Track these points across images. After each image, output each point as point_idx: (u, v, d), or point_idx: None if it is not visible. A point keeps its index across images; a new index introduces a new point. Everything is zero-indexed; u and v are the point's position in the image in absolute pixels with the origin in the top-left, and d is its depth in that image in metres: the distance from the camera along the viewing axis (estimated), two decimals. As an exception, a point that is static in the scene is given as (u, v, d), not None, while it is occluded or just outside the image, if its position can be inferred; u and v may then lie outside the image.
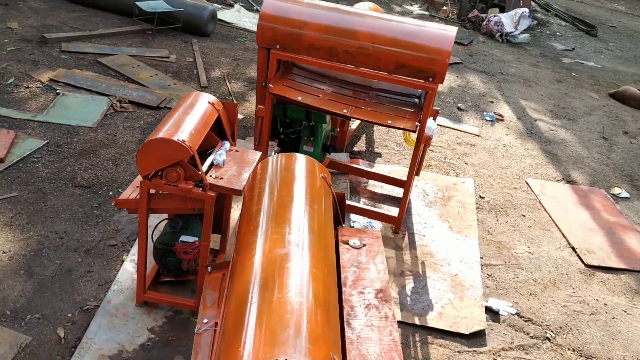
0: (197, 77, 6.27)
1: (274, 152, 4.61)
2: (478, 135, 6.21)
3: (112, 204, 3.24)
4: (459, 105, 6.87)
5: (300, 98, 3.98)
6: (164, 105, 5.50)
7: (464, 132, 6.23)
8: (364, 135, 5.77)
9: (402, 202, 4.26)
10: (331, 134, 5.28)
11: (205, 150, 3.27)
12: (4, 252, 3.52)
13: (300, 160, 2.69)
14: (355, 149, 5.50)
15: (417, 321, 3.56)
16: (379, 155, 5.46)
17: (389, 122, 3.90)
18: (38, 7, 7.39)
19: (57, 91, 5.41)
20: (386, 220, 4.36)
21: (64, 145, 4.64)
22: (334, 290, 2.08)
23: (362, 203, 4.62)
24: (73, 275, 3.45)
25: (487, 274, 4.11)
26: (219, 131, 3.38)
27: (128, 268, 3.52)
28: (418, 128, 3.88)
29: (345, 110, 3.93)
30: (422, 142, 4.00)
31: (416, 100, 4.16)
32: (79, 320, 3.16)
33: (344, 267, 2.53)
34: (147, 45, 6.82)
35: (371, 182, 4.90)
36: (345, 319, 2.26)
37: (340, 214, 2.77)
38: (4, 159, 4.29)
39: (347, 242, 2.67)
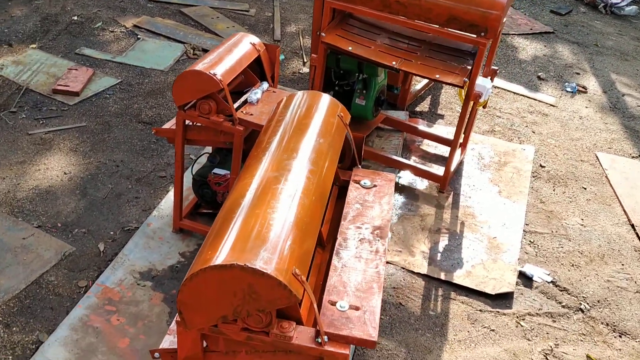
0: (272, 31, 6.41)
1: (328, 104, 4.66)
2: (553, 106, 5.93)
3: (153, 132, 3.46)
4: (540, 74, 6.56)
5: (350, 48, 4.00)
6: (234, 55, 5.68)
7: (539, 101, 5.96)
8: (430, 96, 5.69)
9: (447, 161, 4.20)
10: (394, 92, 5.27)
11: (243, 88, 3.40)
12: (65, 174, 3.86)
13: (323, 99, 2.75)
14: (417, 109, 5.44)
15: (442, 276, 3.55)
16: (442, 117, 5.37)
17: (437, 76, 3.85)
18: (136, -41, 7.79)
19: (138, 36, 5.74)
20: (431, 178, 4.32)
21: (135, 85, 4.96)
22: (317, 215, 2.13)
23: (412, 161, 4.60)
24: (121, 199, 3.73)
25: (530, 241, 3.99)
26: (260, 72, 3.49)
27: (172, 197, 3.75)
28: (466, 84, 3.79)
29: (394, 62, 3.91)
30: (471, 99, 3.90)
31: (470, 58, 4.05)
32: (119, 239, 3.44)
33: (348, 203, 2.58)
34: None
35: (426, 141, 4.85)
36: (335, 249, 2.33)
37: (357, 155, 2.81)
38: (79, 93, 4.66)
39: (358, 182, 2.71)
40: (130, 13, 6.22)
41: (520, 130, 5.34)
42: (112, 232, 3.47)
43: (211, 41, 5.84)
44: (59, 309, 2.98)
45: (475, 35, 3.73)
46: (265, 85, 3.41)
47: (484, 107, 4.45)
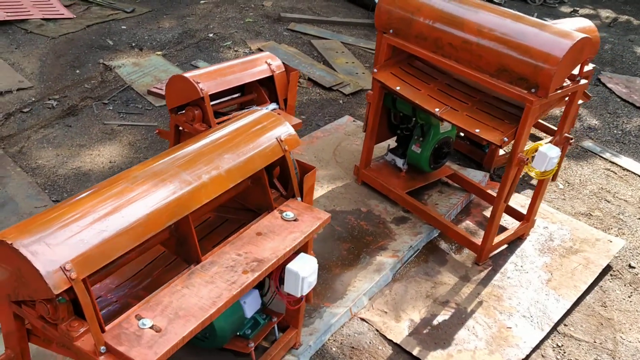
0: (391, 72, 6.26)
1: (388, 146, 4.41)
2: (695, 202, 4.87)
3: (156, 132, 3.58)
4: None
5: (398, 88, 3.75)
6: (336, 88, 5.68)
7: (676, 194, 4.94)
8: (533, 164, 5.04)
9: (486, 230, 3.67)
10: (484, 151, 4.81)
11: (253, 105, 3.37)
12: (110, 162, 4.17)
13: (270, 120, 2.59)
14: (509, 174, 4.85)
15: (415, 351, 3.08)
16: (532, 187, 4.72)
17: (477, 130, 3.41)
18: (301, -7, 8.24)
19: (255, 58, 6.03)
20: (469, 246, 3.81)
21: (224, 99, 5.20)
22: (155, 225, 1.98)
23: (463, 224, 4.11)
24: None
25: (557, 344, 3.29)
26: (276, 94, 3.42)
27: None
28: (505, 144, 3.31)
29: (437, 109, 3.57)
30: (514, 164, 3.38)
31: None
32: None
33: (249, 228, 2.40)
34: (369, 38, 7.06)
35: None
36: (190, 269, 2.16)
37: (296, 186, 2.60)
38: (169, 97, 5.02)
39: (282, 212, 2.50)
40: (262, 38, 6.58)
41: (627, 221, 4.47)
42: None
43: (320, 72, 5.90)
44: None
45: (526, 91, 3.24)
46: (272, 106, 3.34)
47: (553, 179, 3.84)
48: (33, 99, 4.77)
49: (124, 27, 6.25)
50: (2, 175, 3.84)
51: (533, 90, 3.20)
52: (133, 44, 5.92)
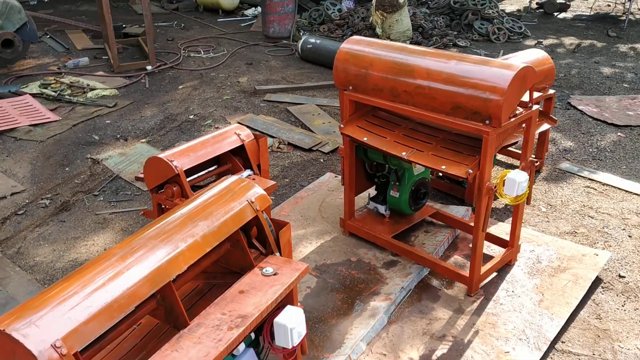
0: (367, 126, 6.51)
1: (368, 195, 4.57)
2: (675, 207, 4.99)
3: (141, 213, 3.75)
4: (672, 170, 5.60)
5: (365, 139, 3.95)
6: (316, 149, 5.90)
7: (657, 201, 5.07)
8: (514, 192, 5.19)
9: (471, 261, 3.78)
10: (463, 186, 4.97)
11: (229, 174, 3.55)
12: (104, 250, 4.32)
13: (240, 185, 2.75)
14: (494, 205, 5.00)
15: (416, 388, 3.14)
16: (516, 214, 4.85)
17: (443, 167, 3.59)
18: (274, 65, 8.63)
19: (236, 132, 6.28)
20: (458, 279, 3.91)
21: (209, 175, 5.40)
22: (134, 297, 2.11)
23: (452, 259, 4.22)
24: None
25: (556, 362, 3.35)
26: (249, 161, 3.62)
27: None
28: (471, 176, 3.47)
29: (404, 153, 3.76)
30: (484, 193, 3.53)
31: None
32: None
33: (232, 288, 2.52)
34: (343, 97, 7.34)
35: (478, 239, 4.41)
36: (181, 332, 2.28)
37: (272, 242, 2.74)
38: (156, 180, 5.22)
39: (261, 268, 2.64)
40: (241, 112, 6.86)
41: (612, 234, 4.58)
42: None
43: (299, 135, 6.14)
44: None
45: (481, 124, 3.43)
46: (246, 172, 3.53)
47: (528, 203, 3.98)
48: (27, 201, 4.97)
49: (108, 121, 6.54)
50: (1, 277, 3.99)
51: (487, 122, 3.39)
52: (118, 136, 6.18)
